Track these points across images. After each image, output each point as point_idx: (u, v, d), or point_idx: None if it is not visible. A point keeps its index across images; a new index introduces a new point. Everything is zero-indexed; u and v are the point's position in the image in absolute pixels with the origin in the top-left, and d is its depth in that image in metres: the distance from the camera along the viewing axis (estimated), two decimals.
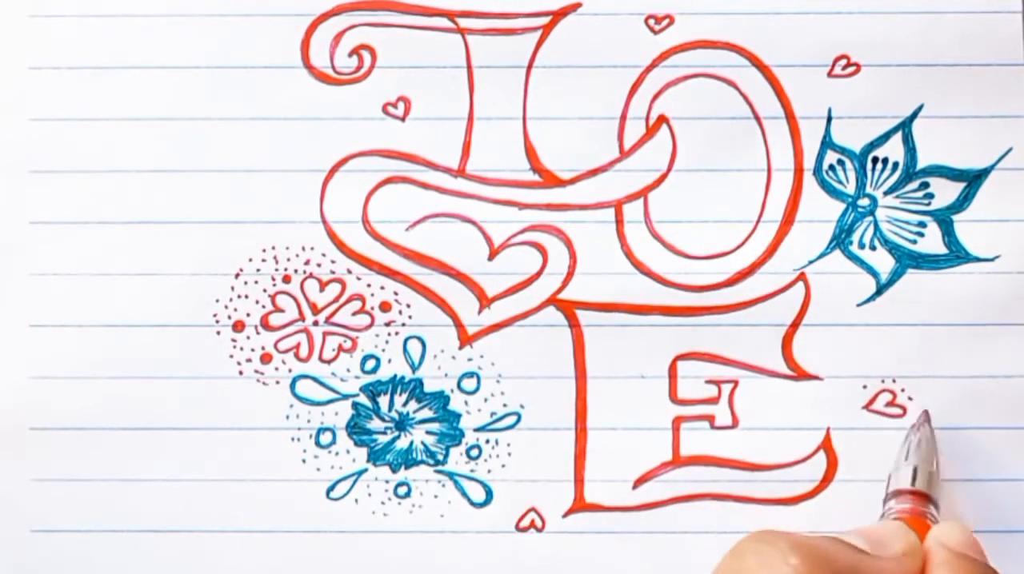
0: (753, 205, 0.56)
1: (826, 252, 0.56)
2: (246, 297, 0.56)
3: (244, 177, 0.56)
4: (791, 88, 0.56)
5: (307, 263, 0.56)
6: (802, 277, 0.56)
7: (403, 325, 0.56)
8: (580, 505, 0.56)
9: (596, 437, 0.56)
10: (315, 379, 0.56)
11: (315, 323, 0.56)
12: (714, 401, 0.56)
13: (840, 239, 0.56)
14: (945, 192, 0.56)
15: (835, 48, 0.56)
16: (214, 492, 0.56)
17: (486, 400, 0.56)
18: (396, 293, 0.56)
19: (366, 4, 0.56)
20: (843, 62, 0.56)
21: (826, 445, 0.55)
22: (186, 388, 0.56)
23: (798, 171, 0.56)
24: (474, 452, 0.56)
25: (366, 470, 0.56)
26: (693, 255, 0.56)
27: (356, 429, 0.56)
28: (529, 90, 0.56)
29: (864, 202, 0.56)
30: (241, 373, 0.56)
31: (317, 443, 0.56)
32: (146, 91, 0.56)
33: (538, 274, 0.56)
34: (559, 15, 0.56)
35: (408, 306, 0.56)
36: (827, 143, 0.56)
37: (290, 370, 0.56)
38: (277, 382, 0.56)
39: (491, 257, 0.56)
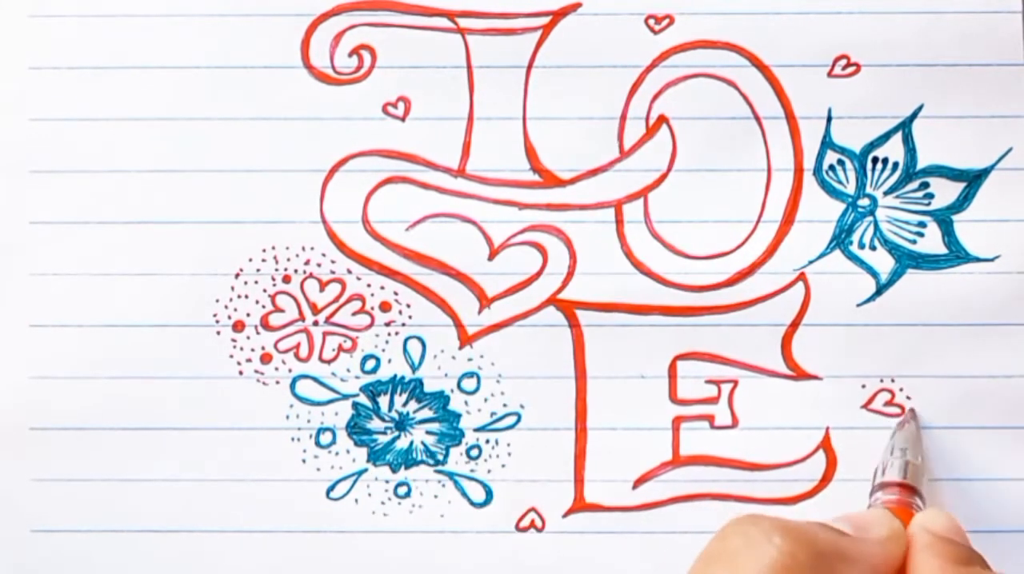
0: (753, 205, 0.56)
1: (826, 252, 0.56)
2: (246, 297, 0.56)
3: (244, 177, 0.56)
4: (791, 88, 0.56)
5: (307, 263, 0.56)
6: (802, 277, 0.56)
7: (403, 325, 0.56)
8: (580, 505, 0.56)
9: (596, 437, 0.56)
10: (315, 379, 0.56)
11: (315, 323, 0.56)
12: (714, 401, 0.56)
13: (840, 239, 0.56)
14: (945, 192, 0.56)
15: (835, 48, 0.56)
16: (214, 492, 0.56)
17: (486, 400, 0.56)
18: (396, 293, 0.56)
19: (366, 4, 0.56)
20: (843, 62, 0.56)
21: (825, 444, 0.56)
22: (186, 388, 0.56)
23: (798, 171, 0.56)
24: (474, 452, 0.56)
25: (366, 470, 0.56)
26: (693, 255, 0.56)
27: (356, 429, 0.56)
28: (529, 90, 0.56)
29: (864, 202, 0.56)
30: (241, 373, 0.56)
31: (317, 443, 0.56)
32: (146, 91, 0.56)
33: (538, 274, 0.56)
34: (559, 15, 0.56)
35: (408, 306, 0.56)
36: (827, 143, 0.56)
37: (290, 370, 0.56)
38: (277, 382, 0.56)
39: (491, 257, 0.56)
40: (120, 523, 0.56)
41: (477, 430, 0.56)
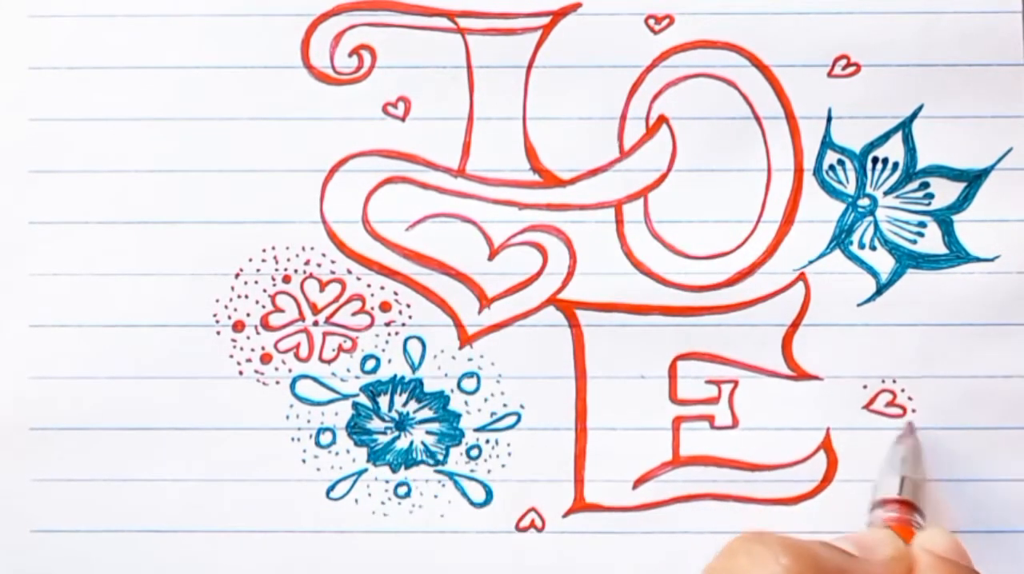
0: (753, 205, 0.56)
1: (826, 252, 0.56)
2: (246, 297, 0.56)
3: (244, 177, 0.56)
4: (791, 88, 0.56)
5: (307, 263, 0.56)
6: (802, 277, 0.56)
7: (403, 325, 0.56)
8: (580, 505, 0.56)
9: (596, 437, 0.56)
10: (315, 379, 0.56)
11: (315, 323, 0.56)
12: (714, 401, 0.56)
13: (840, 239, 0.56)
14: (945, 192, 0.56)
15: (835, 48, 0.56)
16: (214, 492, 0.56)
17: (486, 400, 0.56)
18: (396, 293, 0.56)
19: (366, 4, 0.56)
20: (843, 62, 0.56)
21: (826, 445, 0.55)
22: (186, 388, 0.56)
23: (798, 171, 0.56)
24: (474, 452, 0.56)
25: (366, 470, 0.56)
26: (693, 255, 0.56)
27: (356, 429, 0.56)
28: (529, 90, 0.56)
29: (864, 202, 0.56)
30: (241, 373, 0.56)
31: (317, 443, 0.56)
32: (146, 91, 0.56)
33: (538, 274, 0.56)
34: (559, 15, 0.56)
35: (408, 306, 0.56)
36: (827, 143, 0.56)
37: (290, 370, 0.56)
38: (277, 382, 0.56)
39: (491, 257, 0.56)
40: (120, 523, 0.56)
41: (477, 430, 0.56)
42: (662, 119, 0.56)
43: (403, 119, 0.56)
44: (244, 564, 0.56)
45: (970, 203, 0.55)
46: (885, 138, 0.56)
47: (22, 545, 0.56)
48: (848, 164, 0.56)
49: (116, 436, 0.56)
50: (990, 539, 0.55)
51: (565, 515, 0.56)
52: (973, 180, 0.55)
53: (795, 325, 0.56)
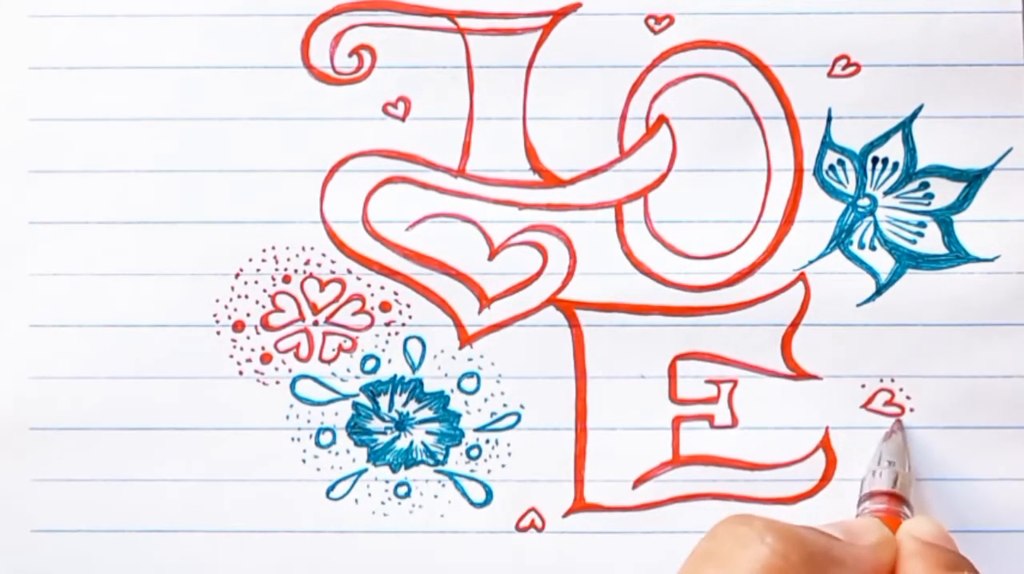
0: (753, 205, 0.56)
1: (826, 252, 0.56)
2: (246, 297, 0.56)
3: (244, 177, 0.56)
4: (791, 88, 0.56)
5: (307, 263, 0.56)
6: (802, 277, 0.56)
7: (403, 325, 0.56)
8: (580, 505, 0.56)
9: (596, 437, 0.56)
10: (315, 379, 0.56)
11: (315, 323, 0.56)
12: (714, 401, 0.56)
13: (840, 239, 0.56)
14: (945, 192, 0.56)
15: (835, 48, 0.56)
16: (214, 492, 0.56)
17: (486, 400, 0.56)
18: (396, 293, 0.56)
19: (366, 4, 0.56)
20: (843, 62, 0.56)
21: (825, 444, 0.56)
22: (186, 388, 0.56)
23: (798, 171, 0.56)
24: (474, 452, 0.56)
25: (366, 470, 0.56)
26: (693, 255, 0.56)
27: (356, 429, 0.56)
28: (529, 90, 0.56)
29: (864, 202, 0.56)
30: (241, 373, 0.56)
31: (317, 443, 0.56)
32: (146, 91, 0.56)
33: (538, 274, 0.56)
34: (559, 15, 0.56)
35: (408, 306, 0.56)
36: (827, 143, 0.56)
37: (290, 370, 0.56)
38: (277, 382, 0.56)
39: (491, 257, 0.56)
40: (120, 523, 0.56)
41: (477, 430, 0.56)
42: (662, 119, 0.56)
43: (403, 119, 0.56)
44: (244, 564, 0.56)
45: (970, 203, 0.55)
46: (885, 138, 0.56)
47: (22, 545, 0.56)
48: (848, 164, 0.56)
49: (116, 436, 0.56)
50: (989, 539, 0.55)
51: (565, 515, 0.56)
52: (973, 180, 0.55)
53: (795, 325, 0.56)
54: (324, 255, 0.56)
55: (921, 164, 0.56)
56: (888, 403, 0.55)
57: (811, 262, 0.56)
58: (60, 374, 0.56)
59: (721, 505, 0.55)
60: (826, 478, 0.55)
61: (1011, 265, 0.55)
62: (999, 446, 0.55)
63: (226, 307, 0.56)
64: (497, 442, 0.56)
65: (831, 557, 0.44)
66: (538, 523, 0.56)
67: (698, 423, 0.56)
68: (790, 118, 0.56)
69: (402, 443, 0.56)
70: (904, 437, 0.55)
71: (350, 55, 0.56)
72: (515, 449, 0.56)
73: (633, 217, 0.56)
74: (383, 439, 0.56)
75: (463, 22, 0.56)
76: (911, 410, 0.55)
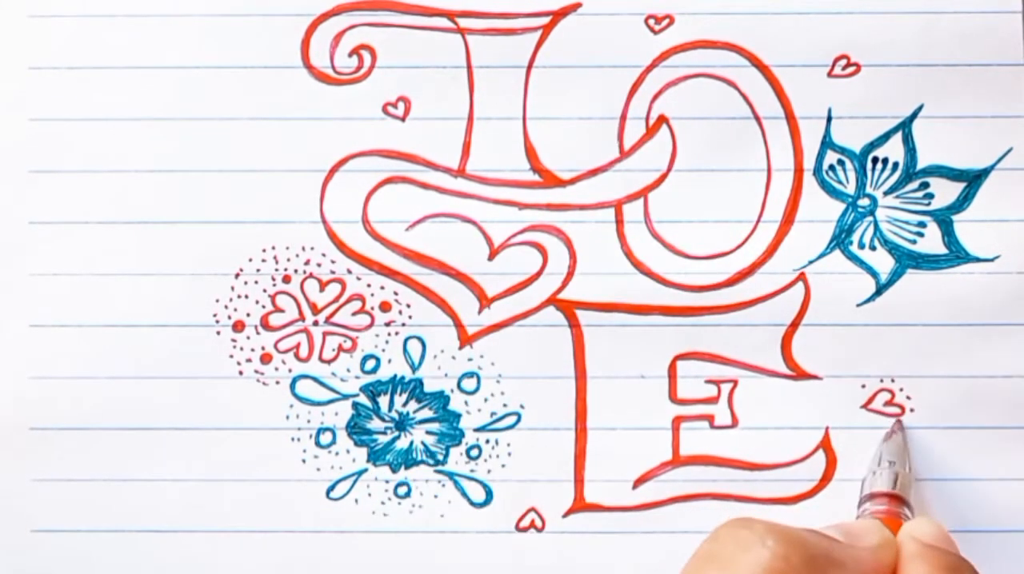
0: (753, 205, 0.56)
1: (826, 252, 0.56)
2: (246, 297, 0.56)
3: (244, 177, 0.56)
4: (791, 88, 0.56)
5: (307, 263, 0.56)
6: (802, 277, 0.56)
7: (403, 325, 0.56)
8: (580, 505, 0.56)
9: (596, 437, 0.56)
10: (315, 379, 0.56)
11: (315, 323, 0.56)
12: (714, 401, 0.56)
13: (840, 239, 0.56)
14: (945, 192, 0.56)
15: (835, 48, 0.56)
16: (214, 492, 0.56)
17: (486, 400, 0.56)
18: (396, 293, 0.56)
19: (366, 4, 0.56)
20: (843, 62, 0.56)
21: (825, 444, 0.56)
22: (186, 388, 0.56)
23: (798, 171, 0.56)
24: (474, 452, 0.56)
25: (366, 470, 0.56)
26: (693, 255, 0.56)
27: (356, 429, 0.56)
28: (529, 90, 0.56)
29: (864, 202, 0.56)
30: (241, 373, 0.56)
31: (317, 443, 0.56)
32: (146, 91, 0.56)
33: (538, 274, 0.56)
34: (559, 15, 0.56)
35: (408, 306, 0.56)
36: (827, 143, 0.56)
37: (290, 370, 0.56)
38: (277, 382, 0.56)
39: (491, 257, 0.56)
40: (120, 523, 0.56)
41: (477, 430, 0.56)
42: (662, 119, 0.56)
43: (403, 119, 0.56)
44: (244, 564, 0.56)
45: (970, 203, 0.55)
46: (885, 138, 0.56)
47: (22, 545, 0.56)
48: (848, 164, 0.56)
49: (116, 436, 0.56)
50: (989, 539, 0.55)
51: (565, 515, 0.56)
52: (973, 180, 0.55)
53: (795, 325, 0.56)
54: (324, 255, 0.56)
55: (921, 164, 0.56)
56: (888, 403, 0.55)
57: (811, 262, 0.56)
58: (60, 374, 0.56)
59: (721, 505, 0.55)
60: (826, 478, 0.55)
61: (1011, 265, 0.55)
62: (999, 446, 0.55)
63: (226, 307, 0.56)
64: (497, 442, 0.56)
65: (832, 559, 0.44)
66: (538, 523, 0.56)
67: (698, 423, 0.56)
68: (790, 118, 0.56)
69: (402, 443, 0.56)
70: (904, 437, 0.55)
71: (350, 55, 0.56)
72: (515, 449, 0.56)
73: (633, 217, 0.56)
74: (383, 439, 0.56)
75: (463, 22, 0.56)
76: (911, 410, 0.55)
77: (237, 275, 0.56)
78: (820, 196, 0.56)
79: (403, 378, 0.56)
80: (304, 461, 0.56)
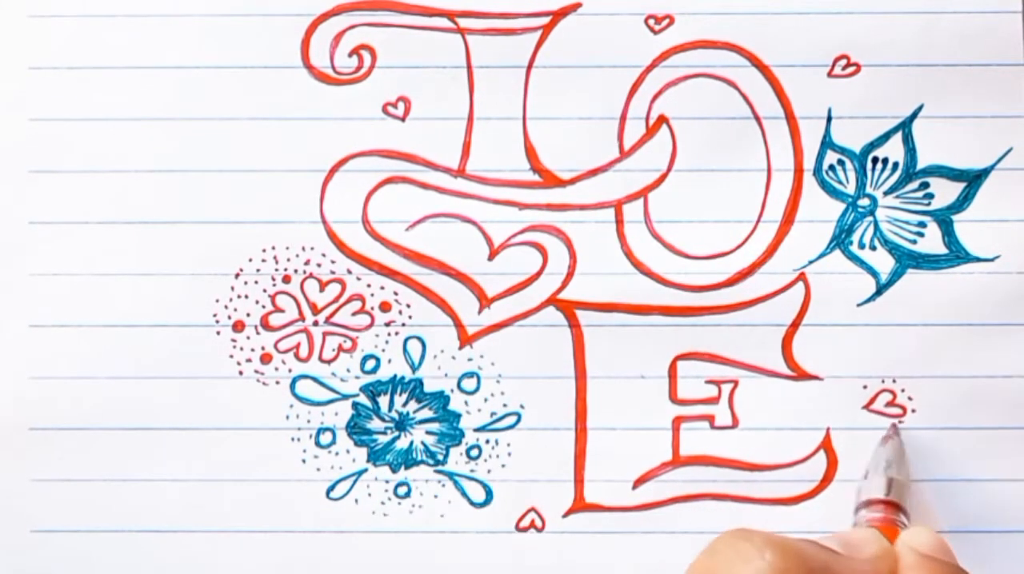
0: (753, 205, 0.56)
1: (826, 252, 0.56)
2: (246, 297, 0.56)
3: (244, 177, 0.56)
4: (791, 88, 0.56)
5: (307, 263, 0.56)
6: (802, 277, 0.56)
7: (403, 325, 0.56)
8: (580, 505, 0.56)
9: (596, 437, 0.56)
10: (315, 379, 0.56)
11: (315, 323, 0.56)
12: (714, 401, 0.56)
13: (840, 239, 0.56)
14: (945, 192, 0.56)
15: (835, 48, 0.56)
16: (214, 492, 0.56)
17: (486, 400, 0.56)
18: (396, 293, 0.56)
19: (366, 4, 0.56)
20: (843, 62, 0.56)
21: (826, 445, 0.55)
22: (186, 388, 0.56)
23: (798, 171, 0.56)
24: (474, 452, 0.56)
25: (366, 470, 0.56)
26: (693, 255, 0.56)
27: (356, 429, 0.56)
28: (529, 90, 0.56)
29: (864, 202, 0.56)
30: (241, 373, 0.56)
31: (317, 443, 0.56)
32: (146, 91, 0.56)
33: (538, 274, 0.56)
34: (559, 15, 0.56)
35: (408, 306, 0.56)
36: (827, 143, 0.56)
37: (290, 370, 0.56)
38: (277, 382, 0.56)
39: (491, 257, 0.56)
40: (120, 523, 0.56)
41: (477, 430, 0.56)
42: (662, 119, 0.56)
43: (403, 119, 0.56)
44: (244, 564, 0.56)
45: (970, 203, 0.55)
46: (885, 138, 0.56)
47: (22, 545, 0.56)
48: (848, 164, 0.56)
49: (116, 436, 0.56)
50: (990, 539, 0.55)
51: (565, 515, 0.56)
52: (973, 180, 0.55)
53: (795, 325, 0.56)
54: (324, 255, 0.56)
55: (921, 164, 0.56)
56: (889, 404, 0.55)
57: (811, 262, 0.56)
58: (60, 374, 0.56)
59: (721, 506, 0.55)
60: (827, 479, 0.55)
61: (1011, 265, 0.55)
62: (1000, 446, 0.55)
63: (226, 307, 0.56)
64: (497, 442, 0.56)
65: (830, 571, 0.44)
66: (538, 523, 0.56)
67: (698, 423, 0.56)
68: (790, 118, 0.56)
69: (402, 443, 0.56)
70: (900, 442, 0.54)
71: (350, 55, 0.56)
72: (515, 449, 0.56)
73: (633, 217, 0.56)
74: (383, 439, 0.56)
75: (463, 22, 0.56)
76: (912, 411, 0.55)
77: (237, 275, 0.56)
78: (820, 196, 0.56)
79: (403, 378, 0.56)
80: (304, 461, 0.56)
